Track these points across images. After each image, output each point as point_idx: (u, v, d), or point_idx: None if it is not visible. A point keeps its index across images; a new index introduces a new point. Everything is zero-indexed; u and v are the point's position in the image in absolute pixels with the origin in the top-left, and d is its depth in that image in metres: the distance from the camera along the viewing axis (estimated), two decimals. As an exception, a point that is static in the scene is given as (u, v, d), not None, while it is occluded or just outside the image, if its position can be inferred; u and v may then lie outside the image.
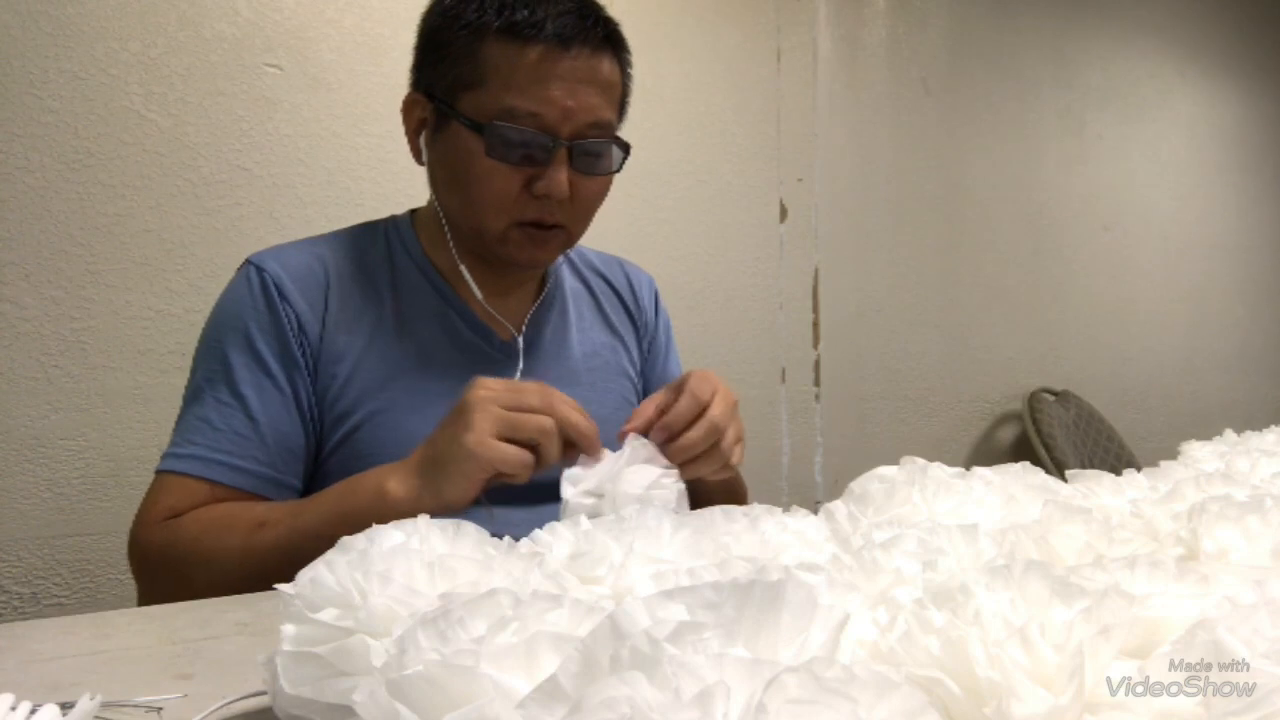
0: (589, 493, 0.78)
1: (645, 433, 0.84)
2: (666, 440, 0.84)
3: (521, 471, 0.78)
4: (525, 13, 0.91)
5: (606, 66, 0.95)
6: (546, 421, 0.78)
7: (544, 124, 0.91)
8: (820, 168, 2.45)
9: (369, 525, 0.76)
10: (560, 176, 0.93)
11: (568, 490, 0.78)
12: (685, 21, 2.22)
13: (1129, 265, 3.11)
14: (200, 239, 1.64)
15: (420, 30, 0.99)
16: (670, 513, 0.59)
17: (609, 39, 0.95)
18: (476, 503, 0.80)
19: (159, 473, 0.91)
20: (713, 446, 0.85)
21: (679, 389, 0.86)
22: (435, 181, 1.01)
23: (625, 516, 0.58)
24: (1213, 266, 3.33)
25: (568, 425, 0.79)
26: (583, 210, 0.99)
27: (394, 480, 0.80)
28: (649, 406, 0.85)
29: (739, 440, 0.89)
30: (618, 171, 0.99)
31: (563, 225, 0.97)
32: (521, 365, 1.03)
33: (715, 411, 0.85)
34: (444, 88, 0.95)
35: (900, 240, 2.60)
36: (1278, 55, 3.49)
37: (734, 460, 0.88)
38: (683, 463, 0.84)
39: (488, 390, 0.79)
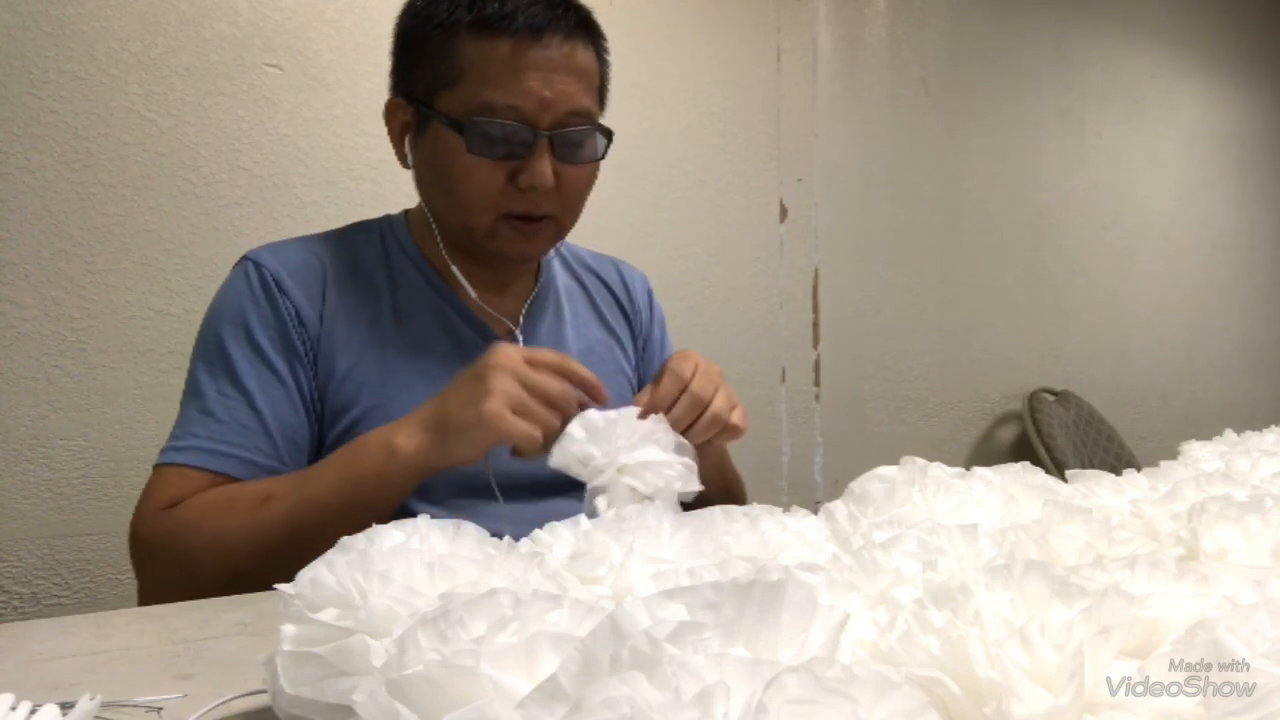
0: (590, 447, 0.80)
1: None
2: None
3: (529, 448, 0.79)
4: (495, 6, 0.91)
5: (581, 53, 0.95)
6: (553, 421, 0.80)
7: (522, 116, 0.92)
8: (820, 168, 2.45)
9: (378, 483, 0.79)
10: (543, 167, 0.93)
11: (577, 432, 0.80)
12: (685, 21, 2.22)
13: (1129, 265, 3.11)
14: (200, 239, 1.64)
15: (395, 34, 0.99)
16: (669, 511, 0.59)
17: (581, 26, 0.96)
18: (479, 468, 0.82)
19: (158, 466, 0.90)
20: (700, 416, 0.87)
21: (661, 374, 0.89)
22: (421, 183, 1.02)
23: (625, 516, 0.58)
24: (1213, 266, 3.33)
25: (584, 384, 0.82)
26: (570, 200, 0.99)
27: (402, 435, 0.81)
28: (642, 398, 0.87)
29: (734, 405, 0.90)
30: (602, 158, 0.99)
31: (551, 216, 0.97)
32: None
33: (695, 385, 0.87)
34: (422, 89, 0.95)
35: (900, 240, 2.60)
36: (1278, 56, 3.49)
37: (735, 420, 0.89)
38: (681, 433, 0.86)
39: (507, 359, 0.80)
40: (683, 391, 0.87)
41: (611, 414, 0.82)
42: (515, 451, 0.80)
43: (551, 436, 0.80)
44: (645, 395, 0.87)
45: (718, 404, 0.88)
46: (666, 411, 0.86)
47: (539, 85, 0.91)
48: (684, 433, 0.86)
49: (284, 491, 0.83)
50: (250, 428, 0.90)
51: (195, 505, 0.86)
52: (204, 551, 0.83)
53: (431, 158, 0.97)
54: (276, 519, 0.81)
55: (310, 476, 0.84)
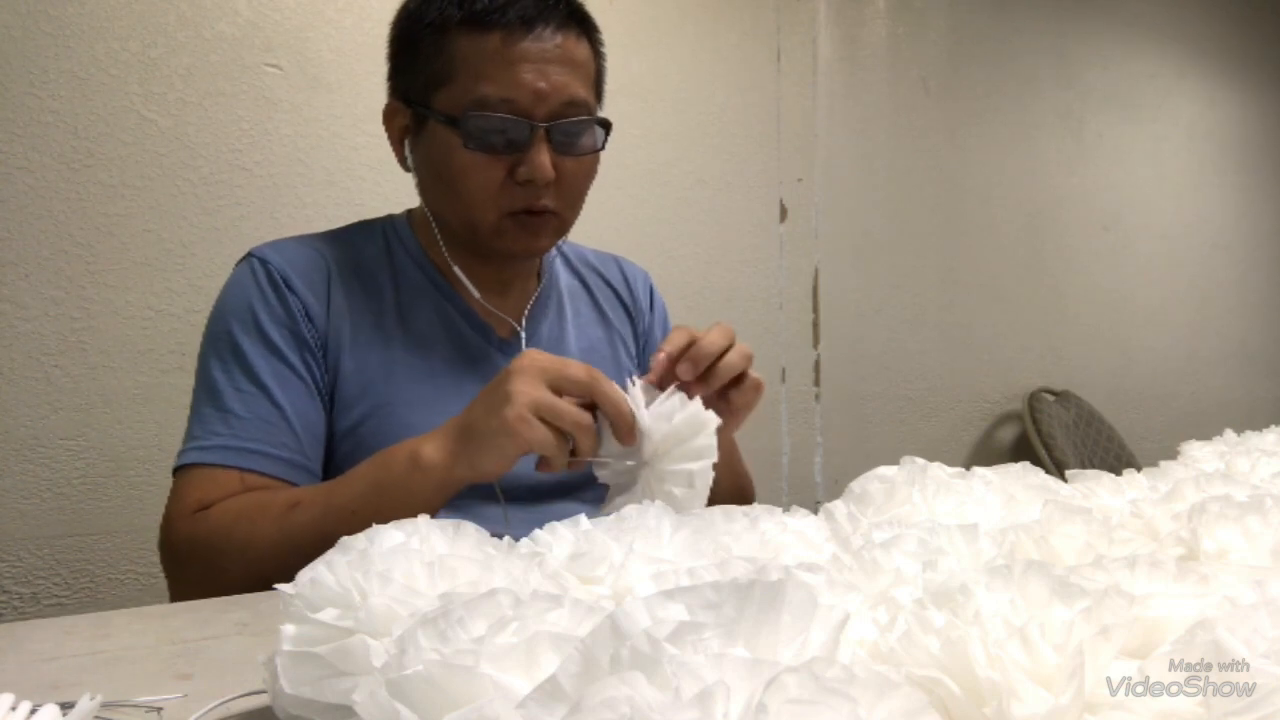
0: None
1: (665, 381, 0.83)
2: (694, 372, 0.83)
3: (556, 456, 0.77)
4: (485, 1, 0.91)
5: (574, 44, 0.94)
6: (584, 417, 0.77)
7: (518, 108, 0.91)
8: (820, 168, 2.45)
9: (404, 494, 0.78)
10: (542, 159, 0.92)
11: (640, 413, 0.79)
12: (685, 22, 2.22)
13: (1129, 265, 3.11)
14: (200, 239, 1.64)
15: (390, 38, 0.99)
16: (670, 510, 0.59)
17: (573, 17, 0.95)
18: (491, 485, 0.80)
19: (182, 468, 0.89)
20: (730, 347, 0.86)
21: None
22: (422, 185, 1.01)
23: (625, 516, 0.58)
24: (1213, 266, 3.33)
25: (611, 409, 0.78)
26: (571, 193, 0.98)
27: (429, 446, 0.79)
28: (661, 356, 0.83)
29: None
30: (601, 150, 0.98)
31: (553, 211, 0.96)
32: None
33: (718, 329, 0.87)
34: (418, 90, 0.95)
35: (900, 240, 2.60)
36: (1278, 56, 3.49)
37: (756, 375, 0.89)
38: (724, 390, 0.84)
39: (534, 364, 0.77)
40: (691, 343, 0.84)
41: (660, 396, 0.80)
42: (541, 464, 0.78)
43: (585, 439, 0.78)
44: (663, 357, 0.84)
45: (741, 344, 0.87)
46: (711, 359, 0.84)
47: (533, 77, 0.91)
48: (714, 364, 0.84)
49: (312, 499, 0.83)
50: (272, 423, 0.89)
51: (225, 511, 0.85)
52: (232, 558, 0.83)
53: (431, 158, 0.96)
54: (303, 527, 0.80)
55: (338, 485, 0.83)
